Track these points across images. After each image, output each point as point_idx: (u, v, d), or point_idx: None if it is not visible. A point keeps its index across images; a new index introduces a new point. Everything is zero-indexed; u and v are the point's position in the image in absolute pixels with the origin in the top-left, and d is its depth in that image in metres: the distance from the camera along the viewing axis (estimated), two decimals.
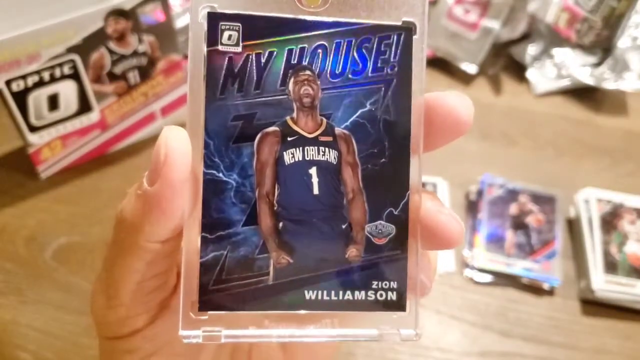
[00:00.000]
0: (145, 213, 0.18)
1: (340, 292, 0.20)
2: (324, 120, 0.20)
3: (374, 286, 0.20)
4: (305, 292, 0.19)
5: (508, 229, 0.56)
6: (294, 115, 0.20)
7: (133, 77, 0.58)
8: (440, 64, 0.72)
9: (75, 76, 0.54)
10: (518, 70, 0.72)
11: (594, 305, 0.52)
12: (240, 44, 0.19)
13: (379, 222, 0.20)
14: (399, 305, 0.20)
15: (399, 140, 0.20)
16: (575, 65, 0.70)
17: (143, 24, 0.55)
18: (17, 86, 0.51)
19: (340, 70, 0.20)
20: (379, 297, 0.20)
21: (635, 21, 0.69)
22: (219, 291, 0.19)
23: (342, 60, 0.20)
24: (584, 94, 0.70)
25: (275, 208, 0.20)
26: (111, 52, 0.55)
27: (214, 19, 0.19)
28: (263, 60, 0.19)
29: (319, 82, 0.19)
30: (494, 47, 0.71)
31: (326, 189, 0.20)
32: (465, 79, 0.71)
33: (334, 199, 0.20)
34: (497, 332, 0.50)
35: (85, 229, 0.56)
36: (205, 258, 0.19)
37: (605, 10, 0.67)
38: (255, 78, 0.19)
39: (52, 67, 0.52)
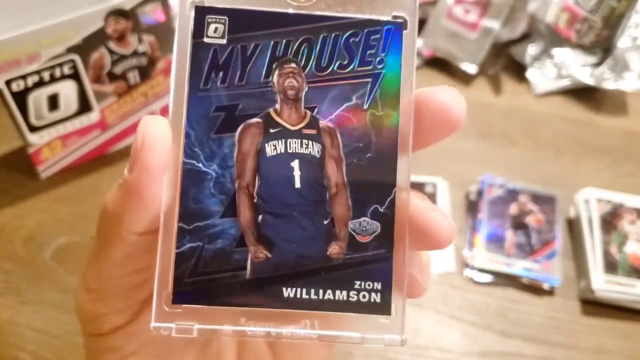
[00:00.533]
0: (125, 202, 0.18)
1: (321, 291, 0.19)
2: (308, 113, 0.19)
3: (356, 286, 0.19)
4: (284, 289, 0.19)
5: (508, 229, 0.56)
6: (278, 107, 0.19)
7: (133, 77, 0.58)
8: (440, 64, 0.72)
9: (75, 76, 0.54)
10: (518, 70, 0.72)
11: (594, 305, 0.52)
12: (226, 37, 0.19)
13: (363, 218, 0.19)
14: (383, 308, 0.19)
15: (386, 135, 0.19)
16: (575, 65, 0.70)
17: (143, 24, 0.55)
18: (17, 86, 0.51)
19: (326, 63, 0.19)
20: (361, 299, 0.19)
21: (635, 21, 0.69)
22: (194, 284, 0.18)
23: (328, 54, 0.19)
24: (584, 94, 0.70)
25: (255, 200, 0.19)
26: (111, 52, 0.55)
27: (201, 12, 0.19)
28: (248, 53, 0.19)
29: (303, 75, 0.19)
30: (494, 47, 0.71)
31: (308, 182, 0.19)
32: (465, 79, 0.71)
33: (317, 193, 0.19)
34: (497, 332, 0.50)
35: (85, 229, 0.55)
36: (181, 249, 0.18)
37: (605, 10, 0.67)
38: (239, 70, 0.19)
39: (52, 67, 0.52)
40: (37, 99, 0.53)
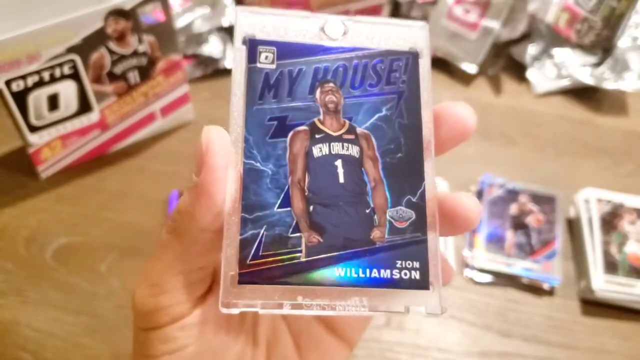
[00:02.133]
0: (195, 200, 0.21)
1: (367, 270, 0.22)
2: (347, 121, 0.23)
3: (398, 265, 0.22)
4: (335, 269, 0.21)
5: (508, 229, 0.56)
6: (321, 117, 0.23)
7: (133, 77, 0.58)
8: (440, 64, 0.72)
9: (75, 76, 0.54)
10: (518, 70, 0.72)
11: (594, 305, 0.52)
12: (275, 63, 0.23)
13: (399, 207, 0.22)
14: (422, 283, 0.22)
15: (412, 138, 0.23)
16: (575, 65, 0.70)
17: (143, 24, 0.55)
18: (17, 86, 0.51)
19: (358, 83, 0.23)
20: (403, 276, 0.22)
21: (636, 21, 0.69)
22: (256, 266, 0.21)
23: (359, 76, 0.23)
24: (584, 94, 0.70)
25: (306, 193, 0.22)
26: (111, 52, 0.55)
27: (254, 44, 0.23)
28: (294, 75, 0.23)
29: (341, 92, 0.23)
30: (494, 47, 0.71)
31: (350, 178, 0.23)
32: (465, 79, 0.71)
33: (358, 187, 0.23)
34: (497, 332, 0.50)
35: (85, 229, 0.56)
36: (244, 235, 0.21)
37: (606, 10, 0.67)
38: (287, 88, 0.23)
39: (52, 67, 0.52)
40: (37, 99, 0.53)
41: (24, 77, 0.51)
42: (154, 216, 0.56)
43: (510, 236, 0.55)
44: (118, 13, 0.53)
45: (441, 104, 0.23)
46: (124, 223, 0.56)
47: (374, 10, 0.74)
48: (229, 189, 0.21)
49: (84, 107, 0.56)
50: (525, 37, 0.73)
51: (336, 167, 0.23)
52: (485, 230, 0.55)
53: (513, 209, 0.57)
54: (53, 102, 0.54)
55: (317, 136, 0.23)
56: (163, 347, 0.22)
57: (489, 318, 0.51)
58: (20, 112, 0.53)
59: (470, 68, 0.70)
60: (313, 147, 0.23)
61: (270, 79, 0.23)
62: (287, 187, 0.22)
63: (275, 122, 0.22)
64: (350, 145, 0.23)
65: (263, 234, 0.21)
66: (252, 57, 0.23)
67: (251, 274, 0.21)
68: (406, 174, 0.23)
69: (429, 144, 0.23)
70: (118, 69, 0.56)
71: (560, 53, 0.71)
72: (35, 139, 0.55)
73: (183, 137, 0.64)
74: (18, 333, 0.49)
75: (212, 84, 0.69)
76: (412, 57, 0.24)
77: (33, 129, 0.54)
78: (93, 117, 0.57)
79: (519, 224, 0.56)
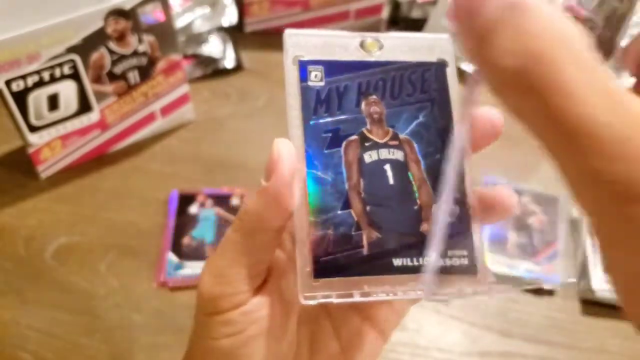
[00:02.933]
0: (265, 203, 0.24)
1: (421, 259, 0.24)
2: (390, 129, 0.26)
3: (448, 254, 0.25)
4: (393, 259, 0.24)
5: (510, 229, 0.55)
6: (368, 127, 0.26)
7: (133, 77, 0.58)
8: None
9: (75, 76, 0.54)
10: None
11: (594, 305, 0.52)
12: (324, 80, 0.26)
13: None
14: (470, 268, 0.25)
15: (448, 140, 0.26)
16: None
17: (143, 24, 0.55)
18: (17, 86, 0.51)
19: (396, 94, 0.26)
20: (454, 264, 0.25)
21: (637, 21, 0.69)
22: (327, 262, 0.24)
23: (397, 87, 0.26)
24: None
25: (362, 195, 0.25)
26: (111, 52, 0.55)
27: (304, 64, 0.26)
28: (341, 90, 0.26)
29: (383, 103, 0.26)
30: None
31: (399, 179, 0.26)
32: (465, 78, 0.71)
33: (406, 187, 0.25)
34: (497, 332, 0.50)
35: (85, 228, 0.56)
36: (315, 235, 0.24)
37: (607, 10, 0.66)
38: (337, 102, 0.26)
39: (52, 67, 0.52)
40: (37, 99, 0.53)
41: (24, 77, 0.51)
42: (154, 216, 0.56)
43: (512, 237, 0.55)
44: (118, 13, 0.53)
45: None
46: (124, 223, 0.56)
47: (374, 10, 0.74)
48: (296, 194, 0.24)
49: (84, 107, 0.56)
50: None
51: (385, 170, 0.26)
52: (487, 230, 0.55)
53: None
54: (53, 102, 0.54)
55: (366, 144, 0.26)
56: (224, 329, 0.25)
57: (489, 318, 0.51)
58: (20, 112, 0.53)
59: (471, 68, 0.70)
60: (364, 154, 0.26)
61: (321, 96, 0.26)
62: (346, 192, 0.25)
63: (330, 135, 0.25)
64: (395, 150, 0.26)
65: (330, 233, 0.24)
66: (303, 76, 0.26)
67: (324, 269, 0.24)
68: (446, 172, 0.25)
69: (462, 142, 0.25)
70: (118, 69, 0.56)
71: None
72: (35, 139, 0.55)
73: (183, 137, 0.64)
74: (17, 333, 0.49)
75: (212, 84, 0.69)
76: (440, 66, 0.27)
77: (33, 129, 0.54)
78: (93, 117, 0.57)
79: (521, 225, 0.56)
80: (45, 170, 0.58)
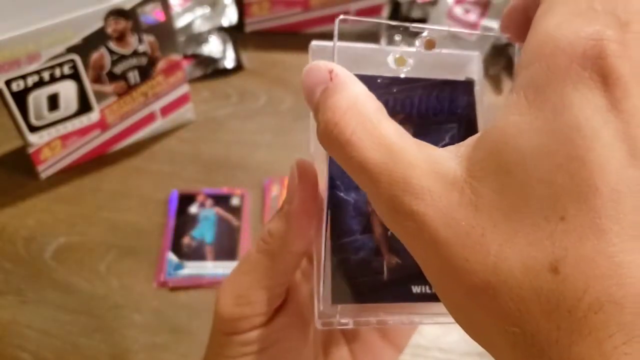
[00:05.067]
0: (287, 227, 0.23)
1: None
2: None
3: None
4: (412, 287, 0.23)
5: None
6: None
7: (133, 77, 0.58)
8: None
9: (75, 76, 0.54)
10: None
11: None
12: None
13: None
14: None
15: None
16: None
17: (143, 24, 0.55)
18: (17, 86, 0.51)
19: (424, 112, 0.25)
20: None
21: None
22: (346, 287, 0.23)
23: (424, 106, 0.25)
24: None
25: None
26: (111, 52, 0.55)
27: None
28: None
29: (409, 123, 0.25)
30: (494, 47, 0.71)
31: None
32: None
33: None
34: None
35: (85, 229, 0.56)
36: (335, 260, 0.23)
37: None
38: None
39: (52, 67, 0.52)
40: (37, 99, 0.53)
41: (24, 77, 0.51)
42: (153, 216, 0.56)
43: None
44: (118, 13, 0.53)
45: None
46: (123, 223, 0.56)
47: (374, 10, 0.75)
48: (318, 217, 0.23)
49: (84, 107, 0.56)
50: None
51: None
52: None
53: None
54: (53, 102, 0.54)
55: None
56: (242, 349, 0.25)
57: None
58: (20, 112, 0.53)
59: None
60: None
61: None
62: (367, 215, 0.24)
63: None
64: None
65: (350, 258, 0.23)
66: None
67: (342, 295, 0.23)
68: None
69: None
70: (118, 69, 0.56)
71: None
72: (35, 139, 0.55)
73: (183, 137, 0.64)
74: (17, 333, 0.48)
75: (212, 84, 0.69)
76: (469, 85, 0.26)
77: (33, 129, 0.54)
78: (93, 117, 0.57)
79: None
80: (45, 170, 0.58)
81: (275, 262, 0.24)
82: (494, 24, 0.69)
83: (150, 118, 0.62)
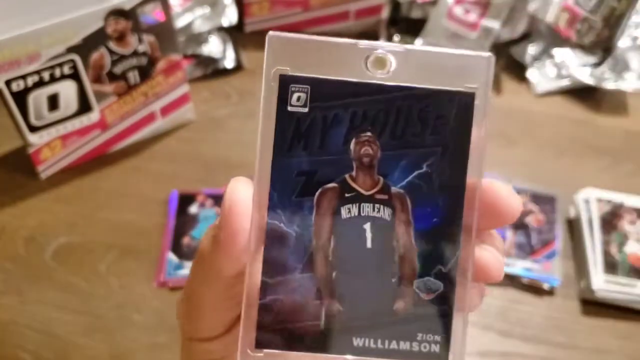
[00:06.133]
0: (215, 252, 0.21)
1: (387, 342, 0.21)
2: (381, 179, 0.21)
3: (418, 338, 0.21)
4: (353, 339, 0.21)
5: (508, 228, 0.56)
6: (353, 173, 0.21)
7: (133, 77, 0.58)
8: None
9: (75, 76, 0.54)
10: (518, 70, 0.72)
11: (594, 305, 0.52)
12: (308, 106, 0.20)
13: (427, 278, 0.21)
14: (441, 357, 0.21)
15: (452, 202, 0.21)
16: (575, 65, 0.70)
17: (143, 24, 0.55)
18: (17, 86, 0.51)
19: (400, 132, 0.20)
20: (422, 349, 0.21)
21: (636, 21, 0.69)
22: (274, 332, 0.20)
23: (401, 123, 0.20)
24: (584, 94, 0.70)
25: (330, 258, 0.21)
26: (111, 52, 0.55)
27: (285, 82, 0.21)
28: (328, 121, 0.21)
29: (378, 143, 0.21)
30: (494, 47, 0.71)
31: (379, 244, 0.21)
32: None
33: (386, 253, 0.21)
34: (497, 332, 0.50)
35: (85, 229, 0.56)
36: (264, 300, 0.20)
37: (606, 10, 0.67)
38: (319, 137, 0.20)
39: (52, 67, 0.52)
40: (37, 99, 0.53)
41: (24, 77, 0.51)
42: (153, 216, 0.56)
43: (510, 236, 0.55)
44: (118, 13, 0.53)
45: (484, 180, 0.21)
46: (123, 223, 0.56)
47: (373, 10, 0.75)
48: (250, 249, 0.20)
49: (84, 107, 0.56)
50: (525, 37, 0.73)
51: (365, 230, 0.21)
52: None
53: None
54: (53, 102, 0.54)
55: (346, 195, 0.21)
56: (205, 356, 0.24)
57: (489, 318, 0.51)
58: (20, 112, 0.53)
59: None
60: (342, 208, 0.21)
61: (302, 126, 0.20)
62: (311, 252, 0.21)
63: (303, 178, 0.20)
64: (382, 206, 0.21)
65: (283, 299, 0.20)
66: (282, 97, 0.21)
67: (269, 340, 0.20)
68: (440, 241, 0.21)
69: (469, 209, 0.21)
70: (118, 69, 0.56)
71: (560, 53, 0.71)
72: (35, 139, 0.55)
73: (183, 137, 0.64)
74: (17, 333, 0.49)
75: (212, 84, 0.69)
76: (466, 99, 0.20)
77: (33, 129, 0.55)
78: (93, 117, 0.58)
79: (519, 224, 0.56)
80: (45, 170, 0.58)
81: (208, 282, 0.23)
82: (494, 24, 0.69)
83: (150, 118, 0.62)
